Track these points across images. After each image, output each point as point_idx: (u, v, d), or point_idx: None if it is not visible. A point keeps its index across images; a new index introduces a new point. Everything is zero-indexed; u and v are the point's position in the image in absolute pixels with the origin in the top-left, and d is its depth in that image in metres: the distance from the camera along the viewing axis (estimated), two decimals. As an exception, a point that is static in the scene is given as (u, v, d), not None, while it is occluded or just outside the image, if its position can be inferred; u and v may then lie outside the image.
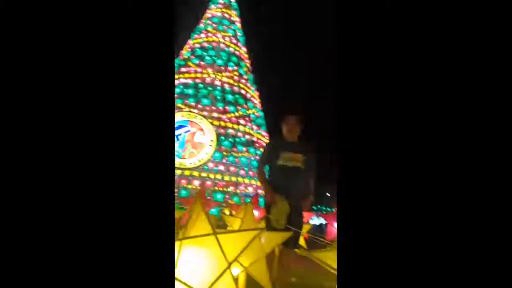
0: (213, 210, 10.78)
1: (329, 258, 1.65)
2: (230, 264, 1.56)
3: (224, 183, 15.63)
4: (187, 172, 13.73)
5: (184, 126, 8.31)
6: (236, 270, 2.13)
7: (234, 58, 19.20)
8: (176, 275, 1.49)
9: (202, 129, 8.35)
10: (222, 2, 21.24)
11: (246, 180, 16.20)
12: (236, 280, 1.92)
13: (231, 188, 15.75)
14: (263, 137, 18.40)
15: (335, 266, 1.67)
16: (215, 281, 1.53)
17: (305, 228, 4.69)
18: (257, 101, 19.79)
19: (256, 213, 2.77)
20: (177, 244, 1.56)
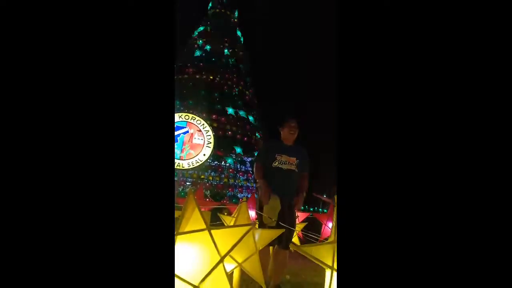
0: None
1: (319, 253, 1.71)
2: (222, 258, 1.63)
3: (222, 185, 15.69)
4: (186, 174, 13.79)
5: (182, 128, 8.32)
6: (231, 266, 2.20)
7: (233, 61, 19.28)
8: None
9: (200, 131, 8.37)
10: (220, 6, 21.36)
11: (244, 182, 16.25)
12: (230, 275, 1.98)
13: (229, 190, 15.80)
14: (261, 139, 18.45)
15: (324, 260, 1.73)
16: (208, 275, 1.60)
17: (299, 227, 4.75)
18: (255, 103, 19.87)
19: (252, 213, 2.82)
20: (171, 239, 1.62)
